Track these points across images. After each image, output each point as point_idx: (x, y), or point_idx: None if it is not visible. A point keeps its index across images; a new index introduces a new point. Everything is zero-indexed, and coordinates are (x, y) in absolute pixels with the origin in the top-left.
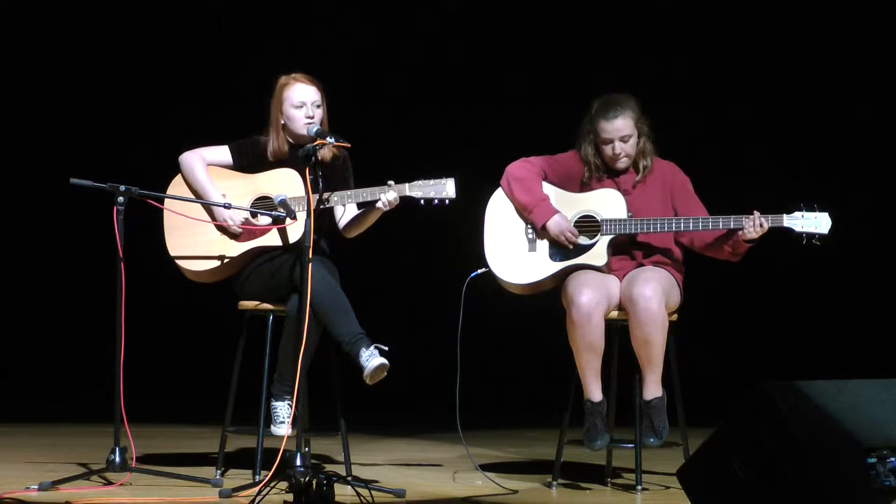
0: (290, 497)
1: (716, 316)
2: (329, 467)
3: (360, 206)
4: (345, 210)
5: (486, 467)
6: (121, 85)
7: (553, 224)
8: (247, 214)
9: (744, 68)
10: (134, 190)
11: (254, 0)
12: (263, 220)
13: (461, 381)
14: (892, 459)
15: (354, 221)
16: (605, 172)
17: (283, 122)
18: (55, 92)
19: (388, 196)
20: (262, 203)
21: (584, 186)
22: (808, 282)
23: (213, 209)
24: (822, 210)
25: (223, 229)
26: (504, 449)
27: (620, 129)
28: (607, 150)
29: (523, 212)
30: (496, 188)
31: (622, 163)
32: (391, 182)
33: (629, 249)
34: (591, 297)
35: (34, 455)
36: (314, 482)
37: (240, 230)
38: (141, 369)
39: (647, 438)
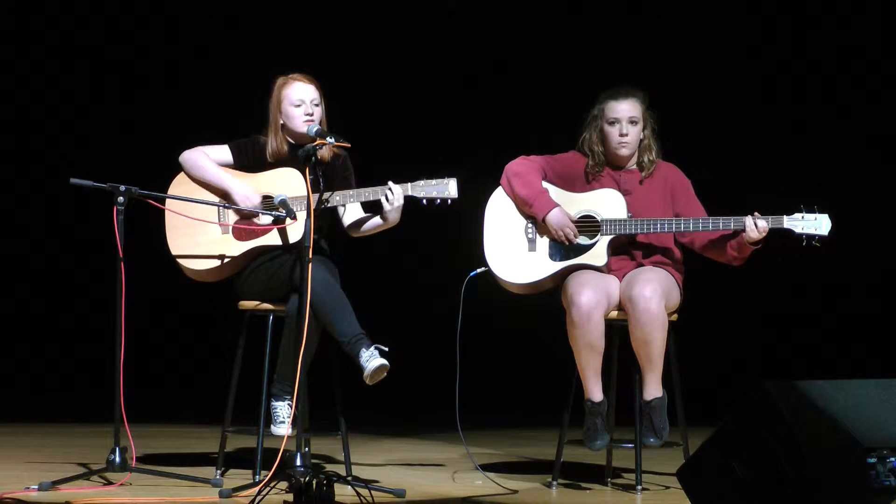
0: (290, 497)
1: (716, 316)
2: (329, 467)
3: (366, 207)
4: (346, 209)
5: (486, 467)
6: (121, 85)
7: (553, 217)
8: (253, 205)
9: (744, 69)
10: (134, 190)
11: (254, 0)
12: (264, 219)
13: (461, 380)
14: (892, 459)
15: (362, 225)
16: (606, 164)
17: (282, 121)
18: (55, 92)
19: (393, 196)
20: (263, 203)
21: (588, 177)
22: (808, 282)
23: (231, 192)
24: (822, 212)
25: (235, 217)
26: (504, 449)
27: (629, 111)
28: (614, 131)
29: (523, 206)
30: (496, 187)
31: (626, 149)
32: (391, 183)
33: (629, 249)
34: (591, 298)
35: (34, 455)
36: (314, 482)
37: (255, 208)
38: (141, 369)
39: (647, 438)
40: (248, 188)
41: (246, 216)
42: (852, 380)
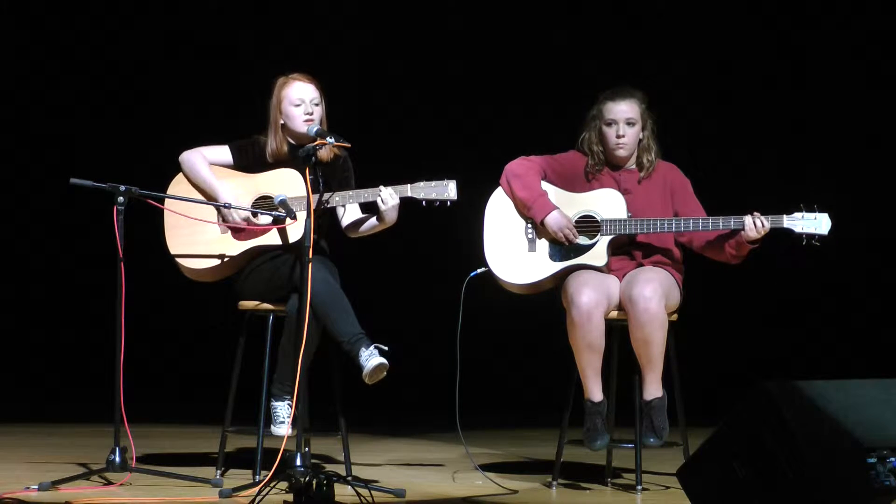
0: (290, 497)
1: (716, 316)
2: (329, 467)
3: (363, 208)
4: (345, 210)
5: (486, 467)
6: (121, 85)
7: (552, 220)
8: (248, 213)
9: (743, 69)
10: (134, 190)
11: (254, 0)
12: (264, 219)
13: (461, 380)
14: (892, 459)
15: (360, 226)
16: (605, 164)
17: (282, 121)
18: (55, 92)
19: (385, 196)
20: (263, 203)
21: (587, 176)
22: (808, 282)
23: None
24: (821, 211)
25: (227, 222)
26: (504, 449)
27: (626, 112)
28: (611, 132)
29: (522, 208)
30: (496, 188)
31: (623, 150)
32: (382, 186)
33: (629, 249)
34: (591, 297)
35: (34, 455)
36: (314, 482)
37: (243, 225)
38: (141, 369)
39: (647, 438)
40: (237, 198)
41: (235, 229)
42: (852, 380)
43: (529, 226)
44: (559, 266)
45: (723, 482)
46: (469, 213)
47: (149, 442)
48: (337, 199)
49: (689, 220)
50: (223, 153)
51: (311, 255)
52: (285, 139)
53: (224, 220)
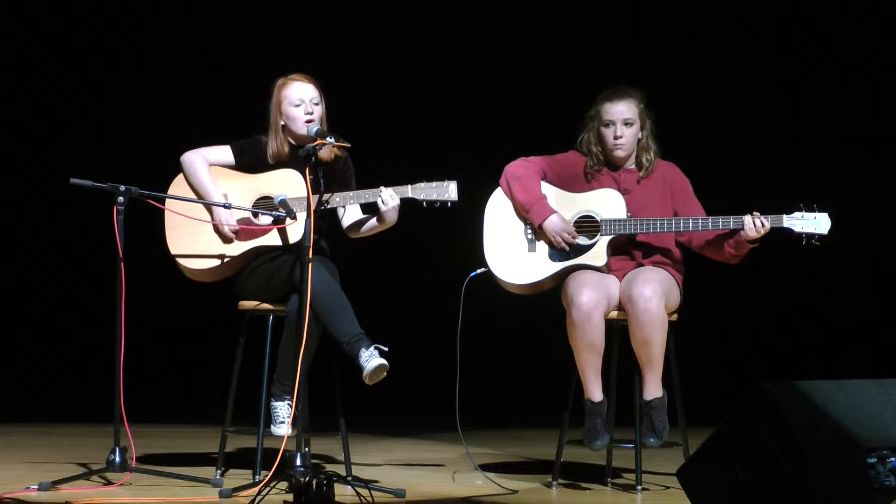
0: (290, 497)
1: (716, 316)
2: (329, 467)
3: (364, 208)
4: (345, 210)
5: (486, 467)
6: (121, 85)
7: (549, 224)
8: (245, 216)
9: (743, 68)
10: (134, 190)
11: (254, 0)
12: (264, 219)
13: (461, 381)
14: (892, 459)
15: (361, 227)
16: (605, 164)
17: (282, 122)
18: (55, 92)
19: (386, 196)
20: (263, 203)
21: (587, 176)
22: (808, 282)
23: (213, 210)
24: (821, 210)
25: (219, 231)
26: (504, 449)
27: (624, 112)
28: (609, 133)
29: (521, 211)
30: (496, 188)
31: (622, 150)
32: (382, 187)
33: (629, 249)
34: (591, 297)
35: (34, 455)
36: (314, 482)
37: (232, 235)
38: (141, 369)
39: (647, 438)
40: (227, 213)
41: (226, 240)
42: (852, 380)
43: (528, 225)
44: (559, 266)
45: (723, 482)
46: (469, 214)
47: (149, 442)
48: (337, 199)
49: (688, 219)
50: (224, 153)
51: (311, 255)
52: (286, 140)
53: (217, 223)
